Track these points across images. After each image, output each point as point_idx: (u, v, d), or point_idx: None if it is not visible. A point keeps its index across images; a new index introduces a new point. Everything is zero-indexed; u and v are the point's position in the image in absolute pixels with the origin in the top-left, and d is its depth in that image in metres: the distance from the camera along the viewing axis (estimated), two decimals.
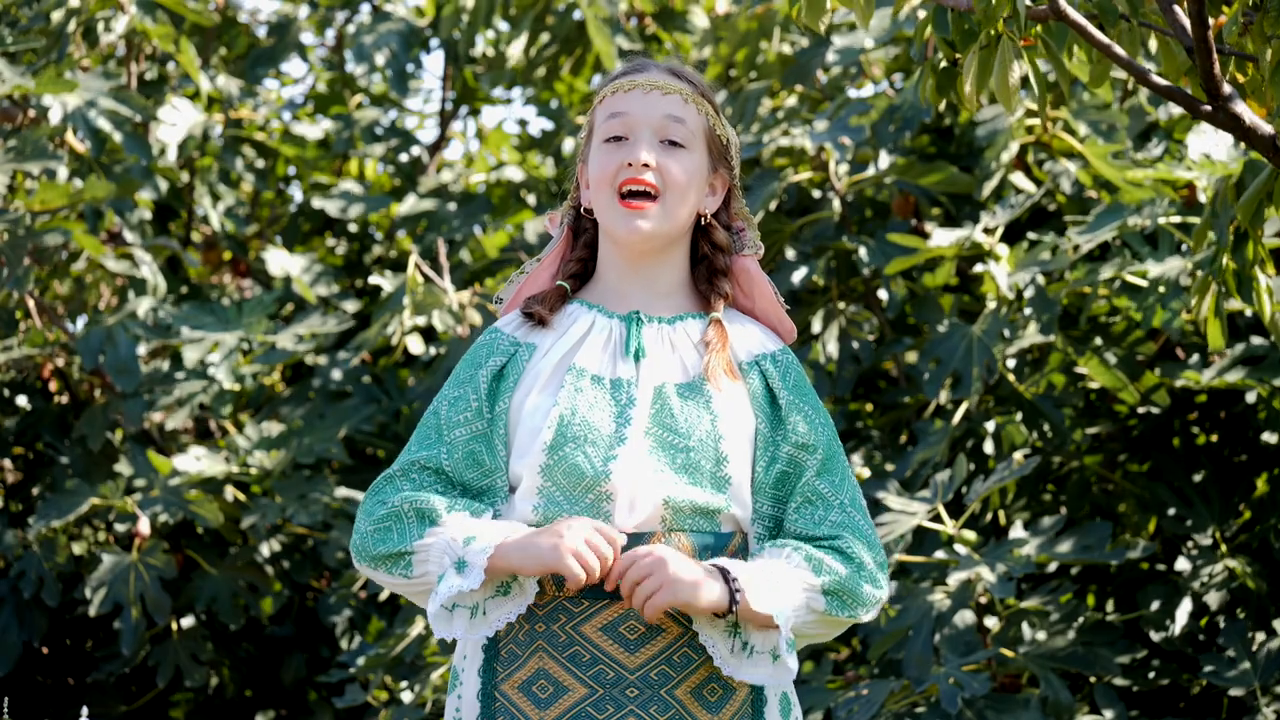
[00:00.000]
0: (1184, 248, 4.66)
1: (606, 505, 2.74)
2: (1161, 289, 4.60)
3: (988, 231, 4.83)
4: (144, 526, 5.22)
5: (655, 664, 2.73)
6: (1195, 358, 4.84)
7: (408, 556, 2.74)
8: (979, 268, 4.83)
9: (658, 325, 2.85)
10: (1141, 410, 4.93)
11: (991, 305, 4.79)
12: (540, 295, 2.89)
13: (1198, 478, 4.84)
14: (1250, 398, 4.88)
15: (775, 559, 2.74)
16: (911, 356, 5.25)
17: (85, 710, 4.36)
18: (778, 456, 2.81)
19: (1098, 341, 4.76)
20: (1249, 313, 4.65)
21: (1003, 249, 4.78)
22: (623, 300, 2.86)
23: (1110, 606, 4.93)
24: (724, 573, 2.69)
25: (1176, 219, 4.64)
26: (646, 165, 2.80)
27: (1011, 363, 4.83)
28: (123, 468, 5.40)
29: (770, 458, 2.81)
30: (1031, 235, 5.02)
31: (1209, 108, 3.17)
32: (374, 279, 5.70)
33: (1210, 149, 4.78)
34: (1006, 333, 4.70)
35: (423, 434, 2.84)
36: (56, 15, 5.43)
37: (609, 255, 2.89)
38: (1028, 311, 4.72)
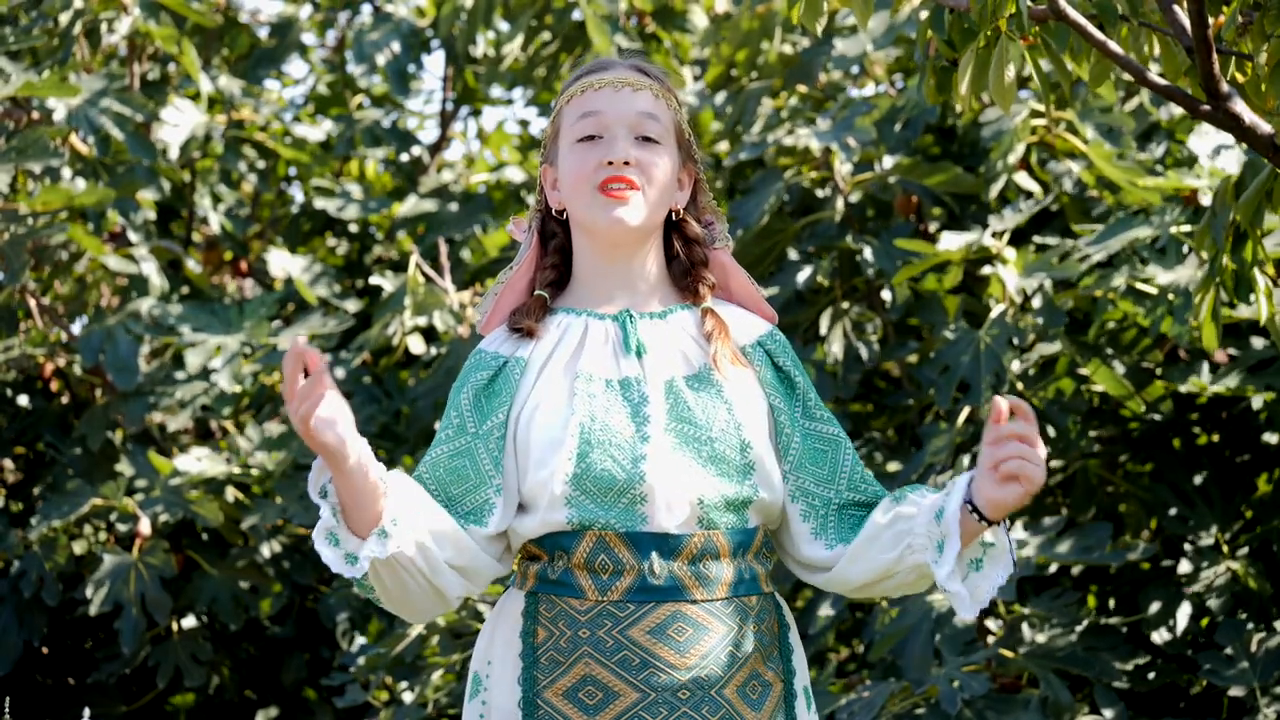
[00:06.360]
0: (1190, 255, 4.63)
1: (642, 508, 2.72)
2: (1172, 297, 4.57)
3: (996, 235, 4.81)
4: (145, 526, 5.22)
5: (705, 664, 2.71)
6: (1201, 362, 4.81)
7: (336, 538, 2.64)
8: (985, 270, 4.81)
9: (651, 321, 2.84)
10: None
11: (998, 309, 4.76)
12: (523, 308, 2.87)
13: (1199, 479, 4.83)
14: (1256, 402, 4.86)
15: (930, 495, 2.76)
16: (914, 358, 5.23)
17: (87, 711, 4.35)
18: (808, 432, 2.82)
19: (1105, 347, 4.74)
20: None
21: (1010, 252, 4.76)
22: (608, 301, 2.85)
23: (1112, 606, 4.91)
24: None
25: (1187, 228, 4.61)
26: (627, 163, 2.79)
27: (1018, 365, 4.81)
28: (124, 468, 5.39)
29: (803, 433, 2.81)
30: (1037, 239, 5.00)
31: (1208, 107, 3.17)
32: (375, 279, 5.70)
33: (1212, 149, 4.76)
34: (1015, 340, 4.68)
35: None
36: (62, 18, 5.43)
37: (586, 256, 2.87)
38: (1036, 305, 4.70)
